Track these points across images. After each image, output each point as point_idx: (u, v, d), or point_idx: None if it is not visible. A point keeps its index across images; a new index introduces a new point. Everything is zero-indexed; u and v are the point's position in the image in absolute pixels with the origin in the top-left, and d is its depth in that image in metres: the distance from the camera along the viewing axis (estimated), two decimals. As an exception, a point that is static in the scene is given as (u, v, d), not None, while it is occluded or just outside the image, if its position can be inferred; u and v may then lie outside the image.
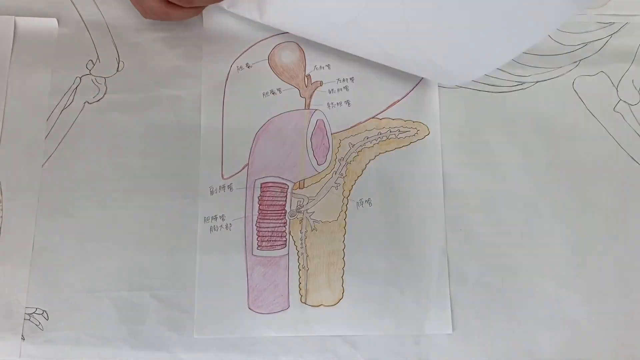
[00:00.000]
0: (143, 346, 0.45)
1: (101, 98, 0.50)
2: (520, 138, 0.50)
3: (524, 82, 0.51)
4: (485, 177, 0.49)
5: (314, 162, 0.49)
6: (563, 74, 0.51)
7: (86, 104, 0.50)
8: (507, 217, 0.48)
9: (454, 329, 0.46)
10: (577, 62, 0.51)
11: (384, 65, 0.50)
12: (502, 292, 0.46)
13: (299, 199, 0.48)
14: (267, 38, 0.52)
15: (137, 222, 0.48)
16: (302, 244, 0.47)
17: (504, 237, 0.48)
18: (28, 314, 0.46)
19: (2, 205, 0.48)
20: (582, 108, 0.50)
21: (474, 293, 0.46)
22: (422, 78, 0.50)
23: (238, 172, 0.49)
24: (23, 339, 0.45)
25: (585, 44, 0.52)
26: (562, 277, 0.47)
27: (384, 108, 0.50)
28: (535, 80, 0.51)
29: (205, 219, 0.48)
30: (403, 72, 0.50)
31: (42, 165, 0.49)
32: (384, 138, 0.50)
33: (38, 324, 0.46)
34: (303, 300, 0.46)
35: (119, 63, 0.51)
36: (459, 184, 0.49)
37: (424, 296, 0.46)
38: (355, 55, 0.51)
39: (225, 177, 0.49)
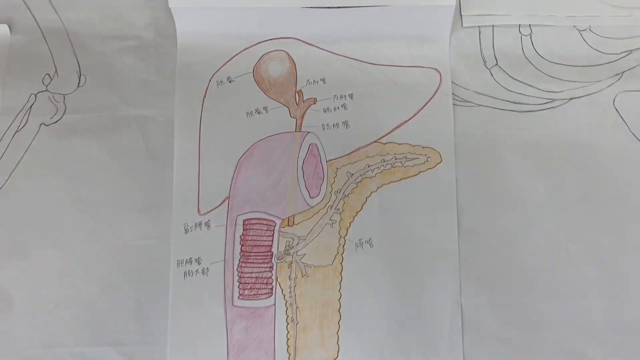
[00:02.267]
0: None
1: (59, 119, 0.46)
2: (548, 167, 0.45)
3: (555, 99, 0.45)
4: (506, 214, 0.44)
5: (306, 195, 0.44)
6: (602, 89, 0.46)
7: (42, 125, 0.46)
8: (531, 262, 0.43)
9: (468, 395, 0.41)
10: (620, 75, 0.46)
11: (389, 80, 0.45)
12: (524, 351, 0.42)
13: (288, 239, 0.44)
14: (252, 46, 0.47)
15: (101, 266, 0.44)
16: (291, 292, 0.43)
17: (528, 285, 0.43)
18: (-24, 372, 0.42)
19: (-54, 246, 0.44)
20: (625, 130, 0.45)
21: (491, 351, 0.42)
22: (434, 94, 0.45)
23: (217, 207, 0.45)
24: (-29, 400, 0.42)
25: (630, 52, 0.46)
26: (596, 334, 0.42)
27: (389, 130, 0.45)
28: (569, 97, 0.45)
29: (179, 263, 0.44)
30: (411, 88, 0.45)
31: (-8, 198, 0.45)
32: (388, 166, 0.45)
33: (-12, 383, 0.42)
34: (291, 360, 0.42)
35: (80, 77, 0.47)
36: (476, 222, 0.44)
37: (434, 355, 0.42)
38: (355, 68, 0.45)
39: (202, 212, 0.44)
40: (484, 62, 0.46)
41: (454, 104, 0.46)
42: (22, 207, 0.45)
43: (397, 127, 0.46)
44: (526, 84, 0.46)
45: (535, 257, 0.43)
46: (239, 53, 0.47)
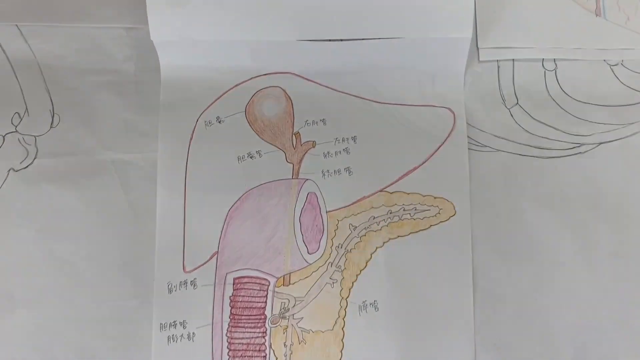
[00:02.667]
0: None
1: (30, 163, 0.42)
2: (576, 220, 0.41)
3: (583, 144, 0.41)
4: (528, 273, 0.40)
5: (304, 250, 0.40)
6: (636, 132, 0.41)
7: (11, 171, 0.42)
8: (556, 328, 0.39)
9: None
10: (656, 116, 0.41)
11: (397, 121, 0.41)
12: None
13: (284, 300, 0.40)
14: (243, 82, 0.43)
15: (74, 329, 0.40)
16: (286, 361, 0.39)
17: (553, 355, 0.39)
18: None
19: None
20: (662, 178, 0.40)
21: None
22: (448, 137, 0.41)
23: (204, 264, 0.41)
24: None
25: (667, 90, 0.42)
26: (629, 411, 0.38)
27: (396, 178, 0.41)
28: (598, 141, 0.41)
29: (162, 326, 0.40)
30: (421, 130, 0.41)
31: (-45, 253, 0.41)
32: (396, 219, 0.41)
33: None
34: None
35: (53, 117, 0.42)
36: (494, 282, 0.40)
37: None
38: (358, 107, 0.41)
39: (187, 270, 0.40)
40: (503, 101, 0.42)
41: (469, 149, 0.41)
42: (-12, 263, 0.41)
43: (406, 174, 0.41)
44: (550, 126, 0.42)
45: (561, 323, 0.39)
46: (229, 90, 0.43)
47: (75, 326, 0.40)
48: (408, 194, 0.41)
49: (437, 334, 0.39)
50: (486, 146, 0.42)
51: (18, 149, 0.42)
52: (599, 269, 0.40)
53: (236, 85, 0.43)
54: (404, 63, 0.42)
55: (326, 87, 0.43)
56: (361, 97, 0.43)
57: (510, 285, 0.40)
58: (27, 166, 0.42)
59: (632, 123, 0.41)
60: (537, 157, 0.41)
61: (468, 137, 0.42)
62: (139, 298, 0.40)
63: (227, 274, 0.41)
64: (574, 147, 0.42)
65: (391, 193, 0.41)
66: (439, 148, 0.42)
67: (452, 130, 0.42)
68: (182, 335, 0.40)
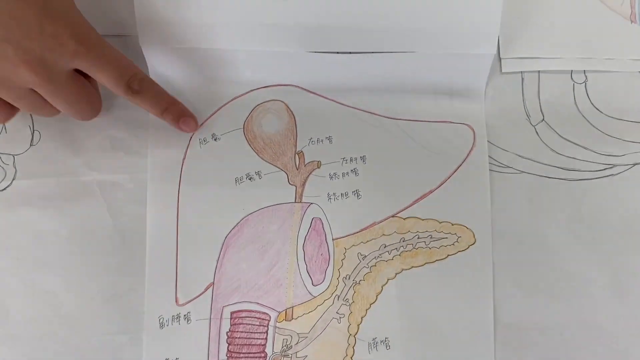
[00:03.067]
0: None
1: (8, 185, 0.39)
2: (607, 249, 0.37)
3: (615, 165, 0.38)
4: (554, 308, 0.37)
5: (308, 282, 0.37)
6: (674, 153, 0.38)
7: (-13, 193, 0.38)
8: (586, 368, 0.36)
9: None
10: (696, 134, 0.38)
11: (410, 139, 0.38)
12: None
13: (286, 337, 0.37)
14: (242, 95, 0.39)
15: (58, 368, 0.37)
16: (289, 405, 0.36)
17: (581, 397, 0.35)
18: None
19: None
20: (703, 204, 0.37)
21: None
22: (467, 157, 0.37)
23: (199, 296, 0.37)
24: None
25: None
26: None
27: (410, 203, 0.38)
28: (632, 163, 0.38)
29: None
30: (437, 149, 0.37)
31: None
32: (409, 247, 0.37)
33: None
34: None
35: (33, 133, 0.39)
36: (517, 317, 0.37)
37: None
38: (368, 124, 0.38)
39: (180, 302, 0.37)
40: (528, 117, 0.39)
41: (490, 170, 0.38)
42: (-37, 294, 0.38)
43: (420, 198, 0.38)
44: (579, 145, 0.38)
45: (590, 362, 0.36)
46: (226, 104, 0.40)
47: (58, 365, 0.38)
48: (423, 220, 0.38)
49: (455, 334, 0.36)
50: (509, 167, 0.38)
51: (-6, 169, 0.39)
52: (634, 304, 0.37)
53: (234, 99, 0.40)
54: (418, 77, 0.39)
55: (333, 101, 0.39)
56: (371, 113, 0.39)
57: (534, 321, 0.37)
58: (4, 188, 0.39)
59: (671, 142, 0.38)
60: (564, 179, 0.38)
61: (489, 157, 0.38)
62: (128, 333, 0.37)
63: (223, 307, 0.37)
64: (605, 169, 0.38)
65: (404, 219, 0.38)
66: (457, 169, 0.38)
67: (471, 149, 0.38)
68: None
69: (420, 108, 0.39)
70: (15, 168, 0.39)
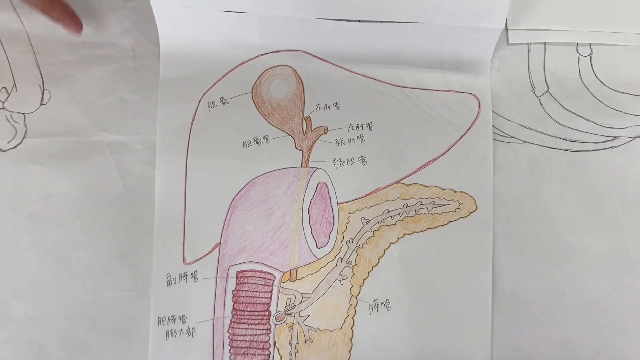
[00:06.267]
0: None
1: (19, 143, 0.42)
2: (606, 219, 0.41)
3: (617, 137, 0.41)
4: (552, 275, 0.41)
5: (312, 244, 0.41)
6: (675, 126, 0.41)
7: (-1, 151, 0.42)
8: (579, 334, 0.40)
9: None
10: (697, 108, 0.41)
11: (416, 107, 0.40)
12: None
13: (290, 297, 0.40)
14: (251, 59, 0.42)
15: (68, 321, 0.41)
16: (291, 361, 0.40)
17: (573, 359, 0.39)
18: None
19: None
20: (699, 177, 0.40)
21: None
22: (471, 126, 0.41)
23: (206, 255, 0.41)
24: None
25: None
26: (651, 422, 0.38)
27: (414, 169, 0.41)
28: (634, 135, 0.41)
29: (160, 320, 0.40)
30: (442, 117, 0.40)
31: (-60, 237, 0.41)
32: (412, 213, 0.41)
33: None
34: None
35: (43, 93, 0.42)
36: (515, 283, 0.41)
37: None
38: (375, 91, 0.41)
39: (187, 261, 0.41)
40: (533, 88, 0.42)
41: (493, 139, 0.41)
42: (-25, 249, 0.41)
43: (424, 165, 0.41)
44: (582, 117, 0.41)
45: (583, 329, 0.40)
46: (235, 68, 0.43)
47: (69, 319, 0.41)
48: (426, 186, 0.41)
49: (453, 336, 0.40)
50: (512, 137, 0.42)
51: (6, 127, 0.42)
52: (629, 273, 0.40)
53: (242, 63, 0.43)
54: (426, 47, 0.42)
55: (341, 68, 0.43)
56: (378, 80, 0.42)
57: (531, 288, 0.40)
58: (15, 146, 0.42)
59: (672, 116, 0.41)
60: (566, 150, 0.41)
61: (493, 126, 0.42)
62: (136, 290, 0.41)
63: (229, 267, 0.41)
64: (607, 141, 0.42)
65: (408, 185, 0.41)
66: (461, 137, 0.42)
67: (476, 118, 0.42)
68: (181, 331, 0.41)
69: (427, 77, 0.42)
70: (25, 127, 0.43)
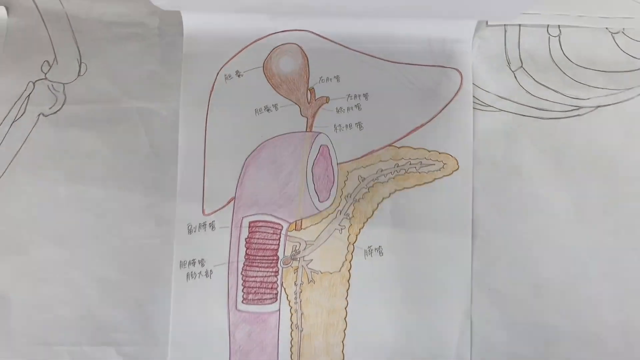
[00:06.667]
0: None
1: (59, 109, 0.48)
2: (571, 178, 0.47)
3: (581, 107, 0.47)
4: (523, 225, 0.46)
5: (315, 199, 0.47)
6: (632, 98, 0.47)
7: (41, 116, 0.48)
8: (547, 276, 0.46)
9: (473, 410, 0.44)
10: (651, 82, 0.47)
11: (406, 79, 0.46)
12: (535, 367, 0.44)
13: (295, 243, 0.46)
14: (262, 38, 0.48)
15: (101, 264, 0.47)
16: (296, 299, 0.46)
17: (542, 299, 0.45)
18: (-25, 367, 0.45)
19: (-58, 238, 0.46)
20: (653, 142, 0.46)
21: (500, 366, 0.45)
22: (454, 96, 0.47)
23: (222, 207, 0.47)
24: (-31, 396, 0.45)
25: (664, 58, 0.47)
26: (609, 353, 0.45)
27: (404, 134, 0.47)
28: (596, 105, 0.47)
29: (182, 264, 0.46)
30: (429, 89, 0.46)
31: (-11, 191, 0.47)
32: (402, 172, 0.47)
33: (-14, 380, 0.45)
34: (295, 368, 0.45)
35: (80, 66, 0.48)
36: (492, 232, 0.46)
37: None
38: (370, 65, 0.47)
39: (206, 213, 0.47)
40: (508, 64, 0.48)
41: (474, 108, 0.47)
42: (20, 201, 0.47)
43: (413, 130, 0.48)
44: (551, 89, 0.48)
45: (552, 271, 0.46)
46: (249, 45, 0.49)
47: (100, 262, 0.47)
48: (415, 149, 0.47)
49: (436, 277, 0.46)
50: (490, 106, 0.48)
51: (47, 95, 0.48)
52: (590, 224, 0.46)
53: (255, 41, 0.49)
54: (416, 28, 0.48)
55: (340, 45, 0.49)
56: (373, 56, 0.48)
57: (506, 236, 0.46)
58: (56, 112, 0.48)
59: (630, 88, 0.47)
60: (537, 117, 0.48)
61: (473, 97, 0.48)
62: (160, 237, 0.47)
63: (243, 217, 0.47)
64: (572, 110, 0.48)
65: (399, 148, 0.47)
66: (445, 106, 0.48)
67: (459, 90, 0.48)
68: (200, 273, 0.47)
69: (416, 53, 0.48)
70: (64, 95, 0.49)
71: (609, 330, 0.45)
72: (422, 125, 0.48)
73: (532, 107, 0.48)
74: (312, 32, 0.49)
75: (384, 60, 0.49)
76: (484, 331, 0.46)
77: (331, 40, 0.49)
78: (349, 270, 0.47)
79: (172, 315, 0.46)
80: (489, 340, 0.45)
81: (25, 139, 0.48)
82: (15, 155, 0.48)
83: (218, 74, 0.49)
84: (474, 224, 0.46)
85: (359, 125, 0.48)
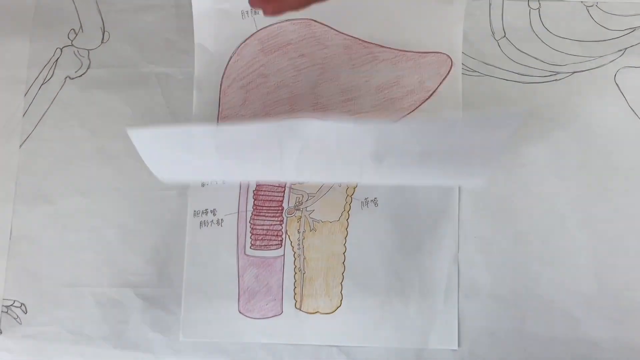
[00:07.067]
0: (126, 346, 0.50)
1: (84, 73, 0.53)
2: (549, 135, 0.52)
3: (559, 72, 0.52)
4: (506, 178, 0.51)
5: (317, 155, 0.51)
6: (604, 64, 0.52)
7: (67, 78, 0.53)
8: (527, 225, 0.50)
9: (459, 344, 0.49)
10: (622, 51, 0.52)
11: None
12: (515, 307, 0.49)
13: (298, 195, 0.51)
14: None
15: (121, 213, 0.51)
16: (299, 245, 0.50)
17: (523, 247, 0.50)
18: (5, 306, 0.50)
19: (-23, 189, 0.51)
20: (624, 105, 0.52)
21: (484, 306, 0.49)
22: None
23: None
24: (0, 332, 0.49)
25: (634, 30, 0.52)
26: (583, 295, 0.49)
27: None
28: (572, 71, 0.52)
29: (195, 213, 0.51)
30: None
31: (20, 146, 0.52)
32: None
33: (16, 317, 0.50)
34: (298, 306, 0.50)
35: (103, 34, 0.53)
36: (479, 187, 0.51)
37: (430, 307, 0.50)
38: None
39: None
40: (493, 34, 0.53)
41: (462, 74, 0.52)
42: (48, 156, 0.52)
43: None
44: (531, 56, 0.52)
45: (531, 221, 0.51)
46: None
47: (122, 211, 0.52)
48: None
49: (427, 226, 0.51)
50: (476, 71, 0.53)
51: (73, 60, 0.53)
52: (567, 178, 0.51)
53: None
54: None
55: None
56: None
57: (490, 189, 0.51)
58: (81, 75, 0.53)
59: (602, 56, 0.52)
60: (519, 82, 0.52)
61: (462, 64, 0.52)
62: (176, 189, 0.52)
63: (251, 172, 0.52)
64: (551, 75, 0.52)
65: (393, 109, 0.52)
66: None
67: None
68: (212, 221, 0.51)
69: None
70: (89, 60, 0.54)
71: (583, 274, 0.50)
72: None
73: (515, 73, 0.52)
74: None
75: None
76: (469, 275, 0.50)
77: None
78: (347, 220, 0.51)
79: (186, 260, 0.51)
80: (474, 282, 0.50)
81: (53, 100, 0.53)
82: (44, 114, 0.53)
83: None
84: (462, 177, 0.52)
85: (357, 88, 0.54)
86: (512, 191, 0.51)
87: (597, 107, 0.52)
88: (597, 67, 0.52)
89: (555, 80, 0.53)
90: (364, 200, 0.52)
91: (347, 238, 0.51)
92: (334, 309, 0.51)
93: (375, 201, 0.52)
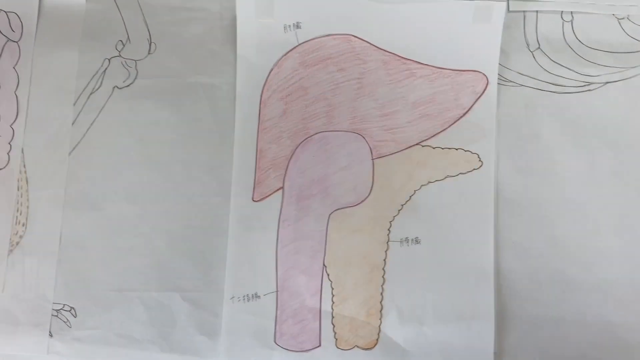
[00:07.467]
0: (173, 349, 0.52)
1: (131, 83, 0.54)
2: (584, 144, 0.53)
3: (592, 83, 0.54)
4: (541, 186, 0.53)
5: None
6: (636, 75, 0.54)
7: (115, 88, 0.54)
8: (563, 231, 0.52)
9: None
10: (653, 62, 0.54)
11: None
12: (553, 310, 0.51)
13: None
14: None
15: (168, 219, 0.53)
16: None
17: (559, 251, 0.52)
18: (56, 310, 0.52)
19: (28, 195, 0.53)
20: (656, 114, 0.53)
21: (522, 309, 0.51)
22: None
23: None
24: (51, 335, 0.51)
25: (664, 41, 0.54)
26: (618, 299, 0.51)
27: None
28: (605, 81, 0.54)
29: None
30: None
31: (69, 154, 0.53)
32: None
33: (66, 320, 0.51)
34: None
35: (150, 45, 0.55)
36: (514, 193, 0.53)
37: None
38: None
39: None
40: (527, 45, 0.55)
41: (498, 84, 0.54)
42: (96, 164, 0.54)
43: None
44: (566, 67, 0.55)
45: (567, 226, 0.53)
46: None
47: (167, 217, 0.53)
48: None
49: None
50: (512, 82, 0.55)
51: (121, 70, 0.55)
52: (600, 185, 0.53)
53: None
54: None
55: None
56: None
57: (526, 196, 0.53)
58: (129, 85, 0.55)
59: (634, 67, 0.54)
60: (553, 92, 0.54)
61: (498, 74, 0.54)
62: (221, 196, 0.53)
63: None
64: (584, 85, 0.54)
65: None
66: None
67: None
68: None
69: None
70: (136, 70, 0.55)
71: (618, 278, 0.52)
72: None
73: (549, 83, 0.55)
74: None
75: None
76: (508, 279, 0.52)
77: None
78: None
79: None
80: (513, 286, 0.52)
81: (102, 109, 0.55)
82: (93, 122, 0.54)
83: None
84: (498, 185, 0.53)
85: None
86: (546, 198, 0.53)
87: (630, 116, 0.54)
88: (629, 78, 0.54)
89: (589, 90, 0.55)
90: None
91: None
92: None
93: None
